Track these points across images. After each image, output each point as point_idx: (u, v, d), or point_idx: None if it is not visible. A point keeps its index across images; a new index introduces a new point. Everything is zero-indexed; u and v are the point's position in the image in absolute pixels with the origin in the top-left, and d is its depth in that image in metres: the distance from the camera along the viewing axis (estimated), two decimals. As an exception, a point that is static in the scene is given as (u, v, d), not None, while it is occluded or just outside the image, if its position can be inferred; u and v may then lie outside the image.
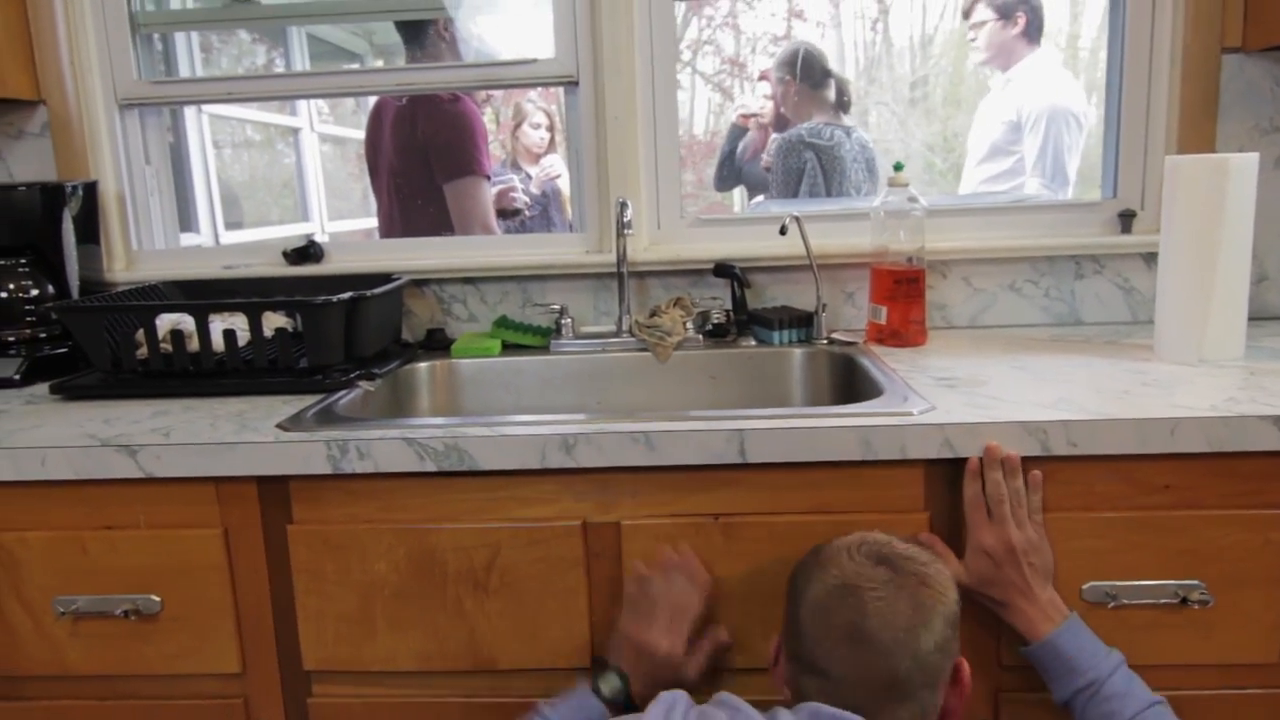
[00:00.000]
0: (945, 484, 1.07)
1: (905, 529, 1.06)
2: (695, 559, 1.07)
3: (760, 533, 1.07)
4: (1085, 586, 1.06)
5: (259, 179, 3.79)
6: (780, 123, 2.61)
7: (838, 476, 1.06)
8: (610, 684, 1.01)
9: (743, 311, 1.56)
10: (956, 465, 1.06)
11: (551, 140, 3.29)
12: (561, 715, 0.99)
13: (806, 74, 2.40)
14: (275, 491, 1.10)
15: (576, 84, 1.60)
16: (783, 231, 1.45)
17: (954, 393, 1.16)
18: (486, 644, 1.10)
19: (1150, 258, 1.57)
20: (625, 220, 1.46)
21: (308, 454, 1.06)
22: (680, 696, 0.89)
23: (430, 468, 1.06)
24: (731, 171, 2.96)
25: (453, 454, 1.05)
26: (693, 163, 4.18)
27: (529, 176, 3.18)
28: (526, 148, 3.26)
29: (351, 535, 1.09)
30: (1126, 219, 1.59)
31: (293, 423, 1.13)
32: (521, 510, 1.09)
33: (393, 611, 1.10)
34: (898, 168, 1.47)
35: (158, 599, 1.11)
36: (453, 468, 1.05)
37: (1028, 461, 1.04)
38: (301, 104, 3.26)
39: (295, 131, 3.26)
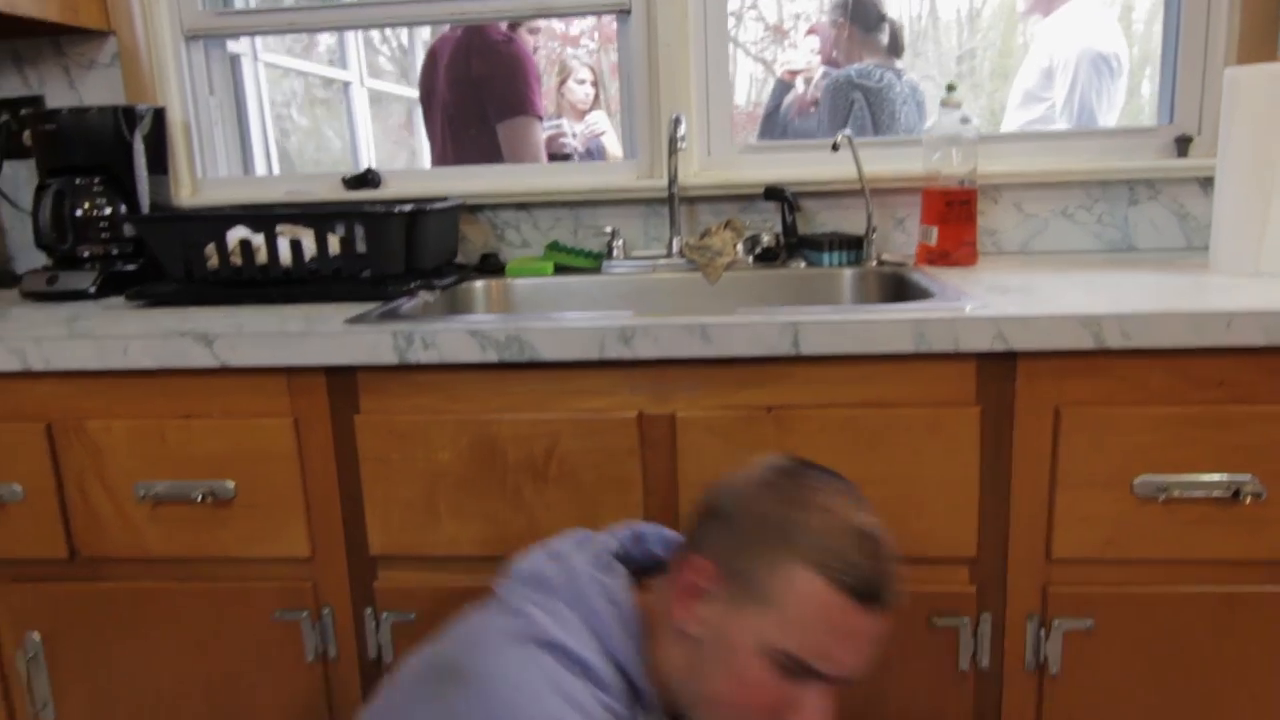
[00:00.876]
0: (997, 379, 1.08)
1: (957, 422, 1.08)
2: None
3: (812, 425, 1.09)
4: (1136, 481, 1.07)
5: (307, 145, 3.86)
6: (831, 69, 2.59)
7: (890, 370, 1.08)
8: None
9: (792, 235, 1.57)
10: (1009, 360, 1.07)
11: (596, 97, 3.31)
12: None
13: (859, 17, 2.39)
14: (343, 383, 1.14)
15: (629, 12, 1.62)
16: (835, 148, 1.46)
17: (1006, 297, 1.16)
18: (545, 531, 1.14)
19: (1206, 183, 1.56)
20: (680, 136, 1.48)
21: (375, 344, 1.10)
22: None
23: (492, 358, 1.09)
24: (776, 127, 2.96)
25: (514, 345, 1.08)
26: (735, 134, 4.18)
27: (574, 134, 3.20)
28: (572, 104, 3.28)
29: (416, 425, 1.13)
30: (1183, 144, 1.57)
31: (358, 321, 1.17)
32: (579, 402, 1.12)
33: (455, 499, 1.14)
34: (950, 88, 1.48)
35: (232, 485, 1.16)
36: (514, 358, 1.09)
37: (1081, 356, 1.05)
38: (351, 59, 3.30)
39: (345, 85, 3.31)
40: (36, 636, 1.24)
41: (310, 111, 3.81)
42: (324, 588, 1.20)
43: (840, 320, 1.06)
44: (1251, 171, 1.26)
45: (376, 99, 3.97)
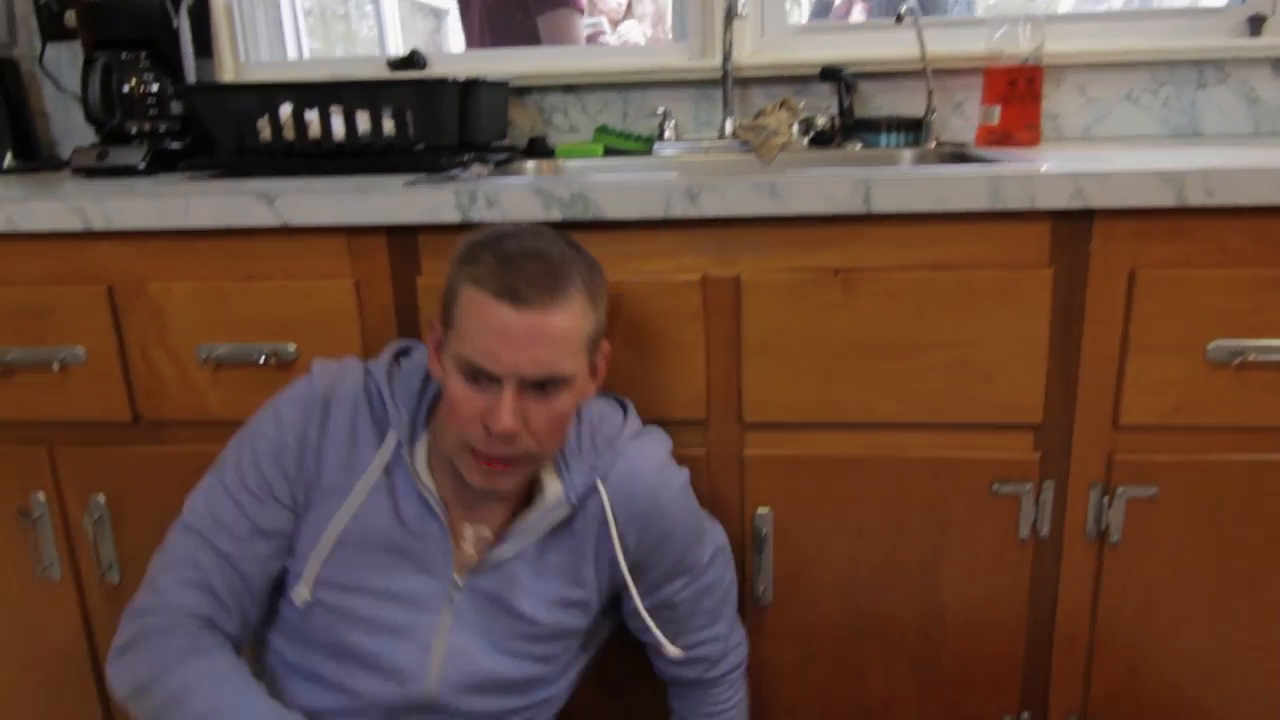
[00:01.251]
0: (1072, 240, 1.06)
1: (1029, 285, 1.06)
2: None
3: (880, 288, 1.08)
4: (1210, 346, 1.05)
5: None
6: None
7: (961, 231, 1.06)
8: None
9: (849, 118, 1.54)
10: (1085, 220, 1.05)
11: (629, 6, 3.23)
12: None
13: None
14: (404, 244, 1.14)
15: (682, -117, 1.57)
16: (899, 19, 1.42)
17: (1079, 163, 1.13)
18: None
19: (1278, 64, 1.51)
20: (741, 2, 1.43)
21: (437, 202, 1.09)
22: None
23: (556, 216, 1.08)
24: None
25: (579, 202, 1.07)
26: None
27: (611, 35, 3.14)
28: (605, 13, 3.21)
29: (477, 287, 1.12)
30: (1256, 23, 1.52)
31: (417, 183, 1.15)
32: (642, 264, 1.11)
33: (516, 364, 1.14)
34: (1018, -42, 1.43)
35: (293, 347, 1.17)
36: (578, 216, 1.07)
37: (1159, 215, 1.03)
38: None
39: (376, -6, 3.24)
40: (101, 499, 1.26)
41: (322, 24, 3.74)
42: (385, 452, 1.20)
43: (914, 176, 1.03)
44: (1338, 36, 1.21)
45: (401, 11, 3.90)
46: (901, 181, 1.03)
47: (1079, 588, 1.16)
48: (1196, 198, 1.01)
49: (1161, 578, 1.14)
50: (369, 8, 3.37)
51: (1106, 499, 1.12)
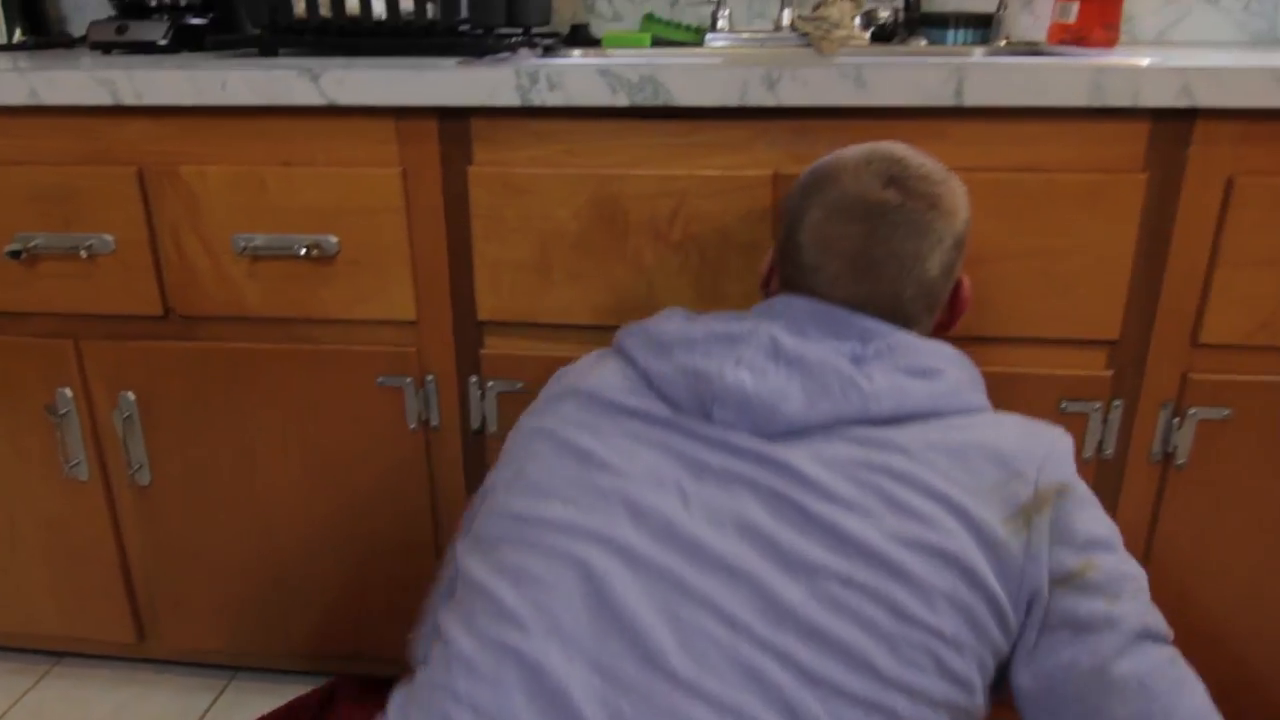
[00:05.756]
0: (1171, 142, 0.99)
1: (1121, 190, 1.00)
2: None
3: (971, 184, 1.02)
4: (1307, 260, 1.00)
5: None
6: None
7: (1055, 130, 0.99)
8: None
9: (915, 11, 1.45)
10: (1187, 121, 0.98)
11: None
12: None
13: None
14: (456, 130, 1.06)
15: None
16: (981, -100, 1.32)
17: (1178, 59, 1.06)
18: (664, 300, 1.09)
19: (1372, -33, 1.42)
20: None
21: (495, 84, 1.01)
22: None
23: (623, 102, 1.00)
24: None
25: (648, 86, 1.00)
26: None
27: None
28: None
29: (533, 179, 1.06)
30: (1352, -80, 1.42)
31: (469, 64, 1.08)
32: (711, 158, 1.04)
33: (571, 262, 1.08)
34: None
35: (335, 240, 1.10)
36: (646, 102, 1.00)
37: (1266, 118, 0.96)
38: None
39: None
40: (131, 396, 1.21)
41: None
42: (428, 353, 1.16)
43: (1011, 64, 0.96)
44: None
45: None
46: (998, 70, 0.96)
47: (1138, 511, 1.13)
48: (1310, 99, 0.94)
49: (1226, 502, 1.11)
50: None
51: (1177, 420, 1.08)
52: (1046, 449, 0.73)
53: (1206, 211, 1.01)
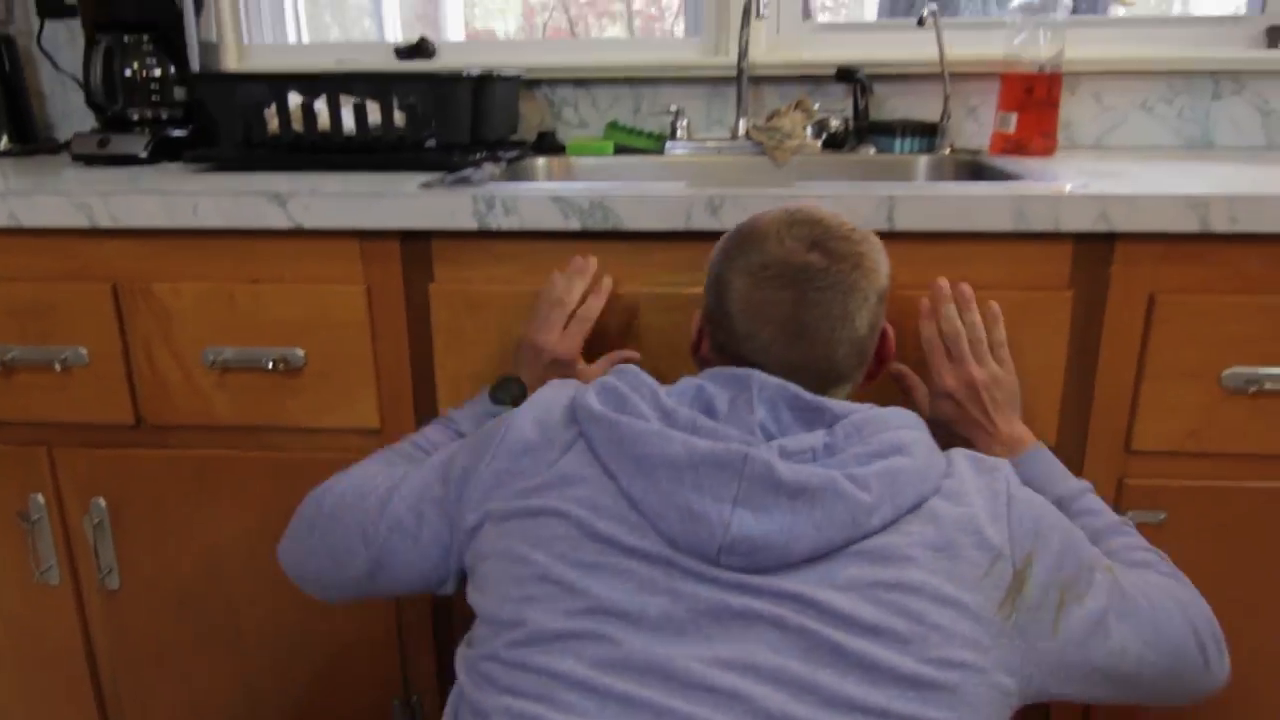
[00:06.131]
0: (1093, 262, 1.05)
1: (1048, 307, 1.05)
2: (596, 265, 1.06)
3: (901, 306, 1.06)
4: (1226, 373, 1.05)
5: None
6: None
7: (983, 251, 1.05)
8: (509, 391, 1.02)
9: (863, 120, 1.52)
10: (1106, 243, 1.04)
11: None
12: (465, 418, 1.02)
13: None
14: (418, 250, 1.12)
15: (699, -125, 1.54)
16: (920, 22, 1.40)
17: (1101, 180, 1.13)
18: (619, 408, 1.13)
19: (1295, 77, 1.50)
20: (761, 4, 1.41)
21: (454, 208, 1.07)
22: (572, 382, 0.86)
23: (575, 226, 1.06)
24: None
25: (598, 211, 1.05)
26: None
27: None
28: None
29: (491, 296, 1.11)
30: (1274, 34, 1.51)
31: (430, 186, 1.13)
32: (661, 276, 1.09)
33: (529, 373, 1.13)
34: (1041, -36, 1.40)
35: (302, 353, 1.15)
36: (597, 226, 1.06)
37: (1181, 240, 1.02)
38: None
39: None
40: (102, 502, 1.24)
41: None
42: (393, 458, 1.19)
43: (938, 195, 1.02)
44: (1362, 58, 1.20)
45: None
46: (926, 200, 1.02)
47: (1085, 606, 1.17)
48: (1221, 224, 1.00)
49: (1167, 598, 1.15)
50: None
51: (1116, 520, 1.12)
52: (1006, 501, 0.76)
53: (1131, 327, 1.06)
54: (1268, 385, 1.05)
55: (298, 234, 1.11)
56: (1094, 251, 1.05)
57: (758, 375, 0.79)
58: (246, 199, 1.08)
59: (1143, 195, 1.00)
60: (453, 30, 4.39)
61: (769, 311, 0.81)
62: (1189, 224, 1.00)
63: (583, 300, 1.04)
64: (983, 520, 0.73)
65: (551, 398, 0.82)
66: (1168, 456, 1.10)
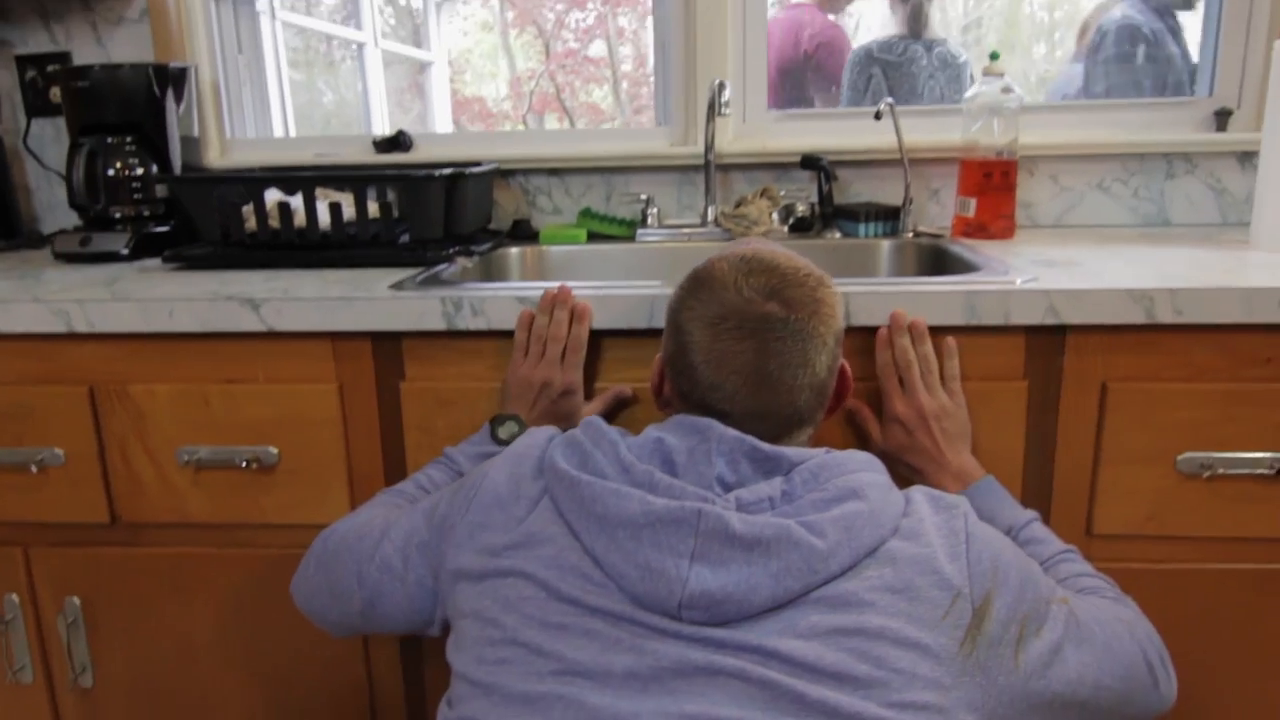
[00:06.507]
0: (1045, 353, 1.08)
1: (1004, 396, 1.08)
2: (570, 292, 1.08)
3: (860, 397, 1.09)
4: (1180, 458, 1.08)
5: (298, 96, 3.80)
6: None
7: (938, 343, 1.08)
8: (508, 429, 1.03)
9: (828, 205, 1.56)
10: (1058, 334, 1.07)
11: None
12: (465, 457, 1.04)
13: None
14: (389, 349, 1.14)
15: (665, -26, 1.60)
16: (878, 116, 1.45)
17: (1053, 270, 1.16)
18: (588, 501, 1.14)
19: (1244, 157, 1.55)
20: (722, 101, 1.46)
21: (423, 311, 1.10)
22: (552, 430, 0.88)
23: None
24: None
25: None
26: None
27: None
28: None
29: (461, 392, 1.13)
30: (1222, 117, 1.56)
31: (402, 286, 1.16)
32: (624, 371, 1.12)
33: (499, 468, 1.14)
34: (993, 56, 1.46)
35: (275, 451, 1.16)
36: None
37: (1130, 331, 1.05)
38: (366, 18, 3.26)
39: (359, 47, 3.26)
40: (76, 601, 1.24)
41: (306, 67, 3.76)
42: (366, 553, 1.20)
43: (891, 291, 1.05)
44: (1300, 147, 1.25)
45: (384, 60, 3.92)
46: (880, 297, 1.05)
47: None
48: (1165, 316, 1.03)
49: (1136, 680, 1.15)
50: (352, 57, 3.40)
51: (1082, 603, 1.14)
52: (964, 539, 0.77)
53: (1085, 415, 1.09)
54: (1220, 470, 1.07)
55: (271, 335, 1.14)
56: (1046, 342, 1.08)
57: (716, 427, 0.80)
58: (221, 304, 1.11)
59: (1089, 290, 1.04)
60: (439, 101, 4.48)
61: (732, 362, 0.82)
62: (1135, 316, 1.04)
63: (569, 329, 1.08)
64: (941, 560, 0.75)
65: (526, 449, 0.85)
66: (1128, 540, 1.12)
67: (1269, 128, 1.28)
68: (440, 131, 3.98)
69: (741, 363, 0.82)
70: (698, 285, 0.86)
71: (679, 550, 0.72)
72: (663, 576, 0.72)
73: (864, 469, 0.79)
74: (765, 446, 0.79)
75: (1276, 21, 1.51)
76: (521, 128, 6.43)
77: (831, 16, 2.31)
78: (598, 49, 6.52)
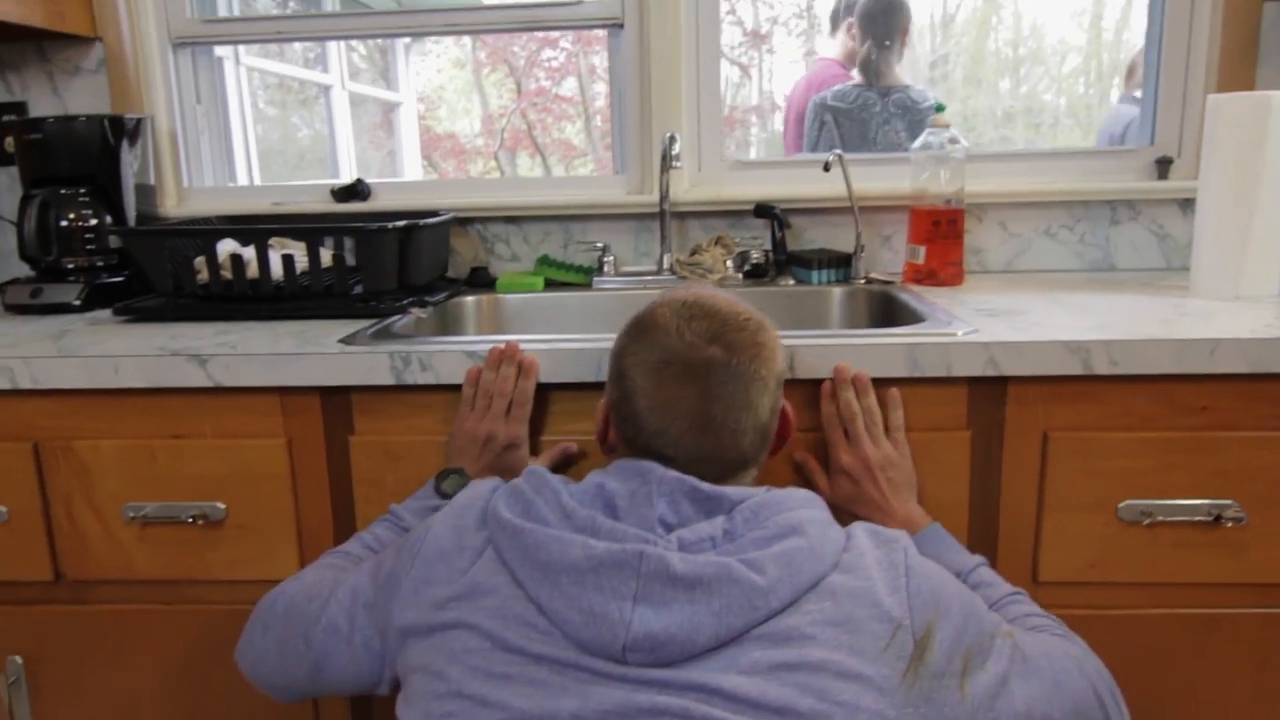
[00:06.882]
0: (988, 403, 1.10)
1: (948, 446, 1.10)
2: (517, 346, 1.09)
3: (806, 449, 1.11)
4: (1121, 505, 1.09)
5: (273, 134, 3.82)
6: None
7: (883, 394, 1.09)
8: (452, 483, 1.03)
9: (782, 252, 1.58)
10: (999, 385, 1.09)
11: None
12: (411, 513, 1.04)
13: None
14: (337, 403, 1.14)
15: (621, 26, 1.63)
16: (826, 168, 1.48)
17: (995, 320, 1.18)
18: (539, 553, 1.14)
19: (1185, 204, 1.59)
20: (674, 154, 1.48)
21: (371, 365, 1.10)
22: (495, 481, 0.88)
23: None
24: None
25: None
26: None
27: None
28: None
29: (411, 446, 1.13)
30: (1163, 165, 1.60)
31: (352, 340, 1.16)
32: (574, 424, 1.13)
33: (449, 521, 1.14)
34: (939, 109, 1.49)
35: (223, 506, 1.16)
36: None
37: (1069, 381, 1.07)
38: (333, 62, 3.28)
39: (326, 89, 3.28)
40: (19, 660, 1.22)
41: (280, 100, 3.78)
42: (315, 608, 1.19)
43: (836, 344, 1.07)
44: (1232, 199, 1.28)
45: (353, 100, 3.95)
46: (824, 350, 1.07)
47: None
48: (1102, 367, 1.05)
49: (1085, 726, 1.16)
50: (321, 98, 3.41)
51: (1030, 650, 1.15)
52: (904, 572, 0.78)
53: (1028, 463, 1.11)
54: (1160, 517, 1.09)
55: (219, 390, 1.13)
56: (988, 392, 1.10)
57: (657, 469, 0.81)
58: (167, 360, 1.11)
59: (1028, 342, 1.06)
60: (408, 140, 4.51)
61: (676, 407, 0.83)
62: (1072, 367, 1.06)
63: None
64: (881, 592, 0.76)
65: (469, 501, 0.85)
66: (1073, 586, 1.13)
67: (1204, 179, 1.32)
68: (405, 178, 4.01)
69: (686, 407, 0.83)
70: (640, 331, 0.87)
71: (622, 593, 0.73)
72: (606, 620, 0.72)
73: (804, 506, 0.81)
74: (705, 486, 0.80)
75: (1212, 74, 1.56)
76: (494, 164, 6.47)
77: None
78: (570, 86, 6.59)
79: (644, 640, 0.72)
